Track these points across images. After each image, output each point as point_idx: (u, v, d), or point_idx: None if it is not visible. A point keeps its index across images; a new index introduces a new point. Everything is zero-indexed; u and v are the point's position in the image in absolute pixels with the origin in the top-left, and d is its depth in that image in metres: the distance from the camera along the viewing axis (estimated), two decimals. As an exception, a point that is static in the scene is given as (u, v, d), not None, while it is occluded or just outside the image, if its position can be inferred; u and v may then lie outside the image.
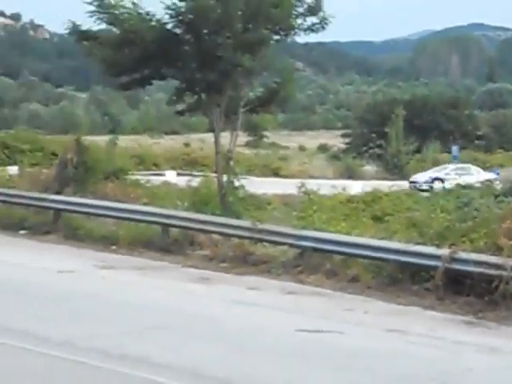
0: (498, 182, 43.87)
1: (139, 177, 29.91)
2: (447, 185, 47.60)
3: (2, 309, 14.09)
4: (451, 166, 58.64)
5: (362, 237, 18.97)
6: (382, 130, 74.83)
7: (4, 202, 25.21)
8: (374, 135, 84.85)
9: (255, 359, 11.66)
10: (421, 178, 54.21)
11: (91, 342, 12.02)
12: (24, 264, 18.67)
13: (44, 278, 17.17)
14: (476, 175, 53.46)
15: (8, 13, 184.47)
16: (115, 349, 11.71)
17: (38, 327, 12.76)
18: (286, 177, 52.70)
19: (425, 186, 45.37)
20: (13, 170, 34.01)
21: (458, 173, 54.58)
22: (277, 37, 24.34)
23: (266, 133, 38.84)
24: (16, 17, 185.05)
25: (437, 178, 53.70)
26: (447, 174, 55.25)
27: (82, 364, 10.97)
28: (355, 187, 44.74)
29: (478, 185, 34.66)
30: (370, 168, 67.31)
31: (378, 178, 54.50)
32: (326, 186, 28.20)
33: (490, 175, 52.26)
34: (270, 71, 25.56)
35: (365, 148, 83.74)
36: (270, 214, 22.58)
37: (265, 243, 19.95)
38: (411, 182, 53.36)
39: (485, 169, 57.33)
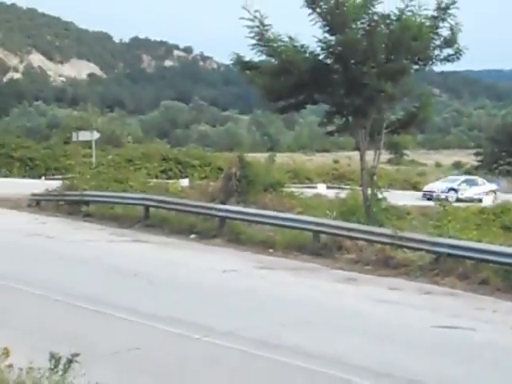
0: (499, 192, 43.89)
1: (294, 189, 30.11)
2: (459, 195, 47.76)
3: (171, 303, 14.61)
4: (461, 178, 58.39)
5: (492, 244, 18.91)
6: (511, 148, 75.71)
7: (177, 210, 25.84)
8: (503, 153, 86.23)
9: (395, 350, 11.80)
10: (436, 187, 53.27)
11: (252, 332, 12.29)
12: (193, 264, 19.23)
13: (210, 277, 17.55)
14: (482, 186, 53.19)
15: (182, 46, 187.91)
16: (272, 339, 11.96)
17: (206, 319, 13.09)
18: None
19: (442, 196, 44.20)
20: (184, 182, 34.91)
21: (468, 184, 54.82)
22: (416, 66, 24.15)
23: (406, 151, 38.72)
24: (188, 50, 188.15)
25: (452, 189, 53.33)
26: (459, 184, 54.77)
27: (242, 352, 11.29)
28: (486, 200, 44.42)
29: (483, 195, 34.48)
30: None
31: (507, 192, 53.62)
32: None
33: (493, 186, 52.01)
34: (410, 97, 25.17)
35: (495, 165, 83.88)
36: (409, 222, 22.45)
37: (404, 249, 19.94)
38: (425, 192, 52.44)
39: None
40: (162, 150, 53.89)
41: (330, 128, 25.77)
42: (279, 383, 10.12)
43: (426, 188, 54.56)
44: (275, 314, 14.04)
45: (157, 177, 39.63)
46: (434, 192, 49.02)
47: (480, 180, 56.10)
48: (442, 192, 49.29)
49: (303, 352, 11.35)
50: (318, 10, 22.88)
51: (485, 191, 51.05)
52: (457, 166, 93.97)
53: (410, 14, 22.61)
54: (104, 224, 26.47)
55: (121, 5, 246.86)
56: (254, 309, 14.48)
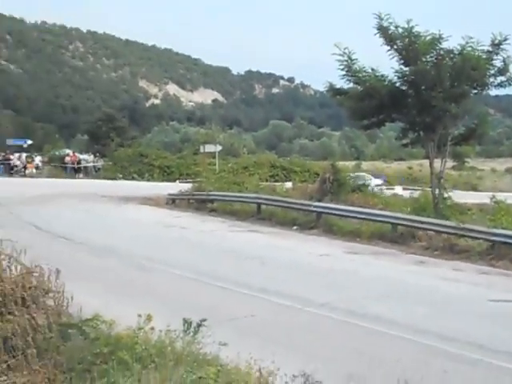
0: (384, 187, 39.67)
1: (376, 190, 30.01)
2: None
3: (278, 280, 14.68)
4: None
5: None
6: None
7: (282, 206, 25.95)
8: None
9: (456, 320, 11.63)
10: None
11: (342, 304, 12.24)
12: (295, 249, 19.32)
13: (309, 259, 17.57)
14: (373, 181, 48.64)
15: (286, 77, 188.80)
16: (359, 309, 11.93)
17: (306, 293, 13.13)
18: (481, 191, 51.10)
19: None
20: (288, 184, 35.05)
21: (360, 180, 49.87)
22: (475, 91, 23.75)
23: (467, 159, 37.71)
24: (291, 80, 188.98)
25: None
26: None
27: (335, 319, 11.32)
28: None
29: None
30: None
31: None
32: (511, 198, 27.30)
33: (379, 181, 47.38)
34: (470, 115, 24.95)
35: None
36: (469, 217, 22.10)
37: (466, 238, 19.79)
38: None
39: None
40: (271, 159, 54.05)
41: (405, 141, 25.64)
42: (364, 345, 10.04)
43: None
44: (361, 289, 13.99)
45: (266, 180, 39.81)
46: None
47: (367, 175, 51.58)
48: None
49: (384, 320, 11.30)
50: (395, 46, 22.95)
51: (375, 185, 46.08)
52: (509, 171, 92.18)
53: (469, 49, 22.43)
54: (225, 217, 26.73)
55: (238, 45, 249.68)
56: (344, 285, 14.44)
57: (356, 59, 23.83)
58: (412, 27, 22.63)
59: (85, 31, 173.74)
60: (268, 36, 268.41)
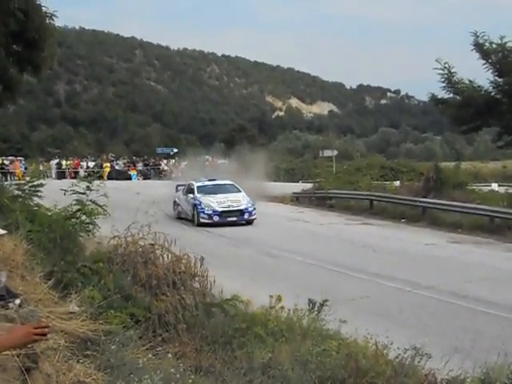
0: None
1: (474, 187, 29.13)
2: None
3: (389, 265, 14.58)
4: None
5: None
6: None
7: (392, 202, 25.61)
8: None
9: None
10: None
11: (446, 286, 12.07)
12: (404, 239, 19.02)
13: (416, 248, 17.31)
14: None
15: (392, 89, 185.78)
16: (461, 291, 11.71)
17: (414, 277, 12.94)
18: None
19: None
20: (396, 183, 34.54)
21: None
22: None
23: None
24: (397, 92, 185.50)
25: None
26: None
27: (440, 300, 11.18)
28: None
29: None
30: None
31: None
32: None
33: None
34: None
35: None
36: None
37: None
38: None
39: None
40: (381, 161, 53.23)
41: (500, 143, 24.94)
42: (467, 322, 9.79)
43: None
44: (463, 273, 13.65)
45: (377, 180, 39.19)
46: None
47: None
48: None
49: (484, 301, 11.04)
50: (490, 60, 22.43)
51: None
52: None
53: None
54: (342, 212, 26.63)
55: (351, 63, 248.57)
56: (448, 270, 14.14)
57: (455, 72, 23.48)
58: (505, 43, 22.13)
59: (220, 55, 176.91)
60: (376, 54, 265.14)
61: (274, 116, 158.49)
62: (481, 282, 12.69)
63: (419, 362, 6.04)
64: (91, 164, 56.71)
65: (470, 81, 23.36)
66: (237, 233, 19.69)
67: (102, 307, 6.00)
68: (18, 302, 5.25)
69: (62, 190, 7.76)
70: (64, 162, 56.05)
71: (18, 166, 50.57)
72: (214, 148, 48.02)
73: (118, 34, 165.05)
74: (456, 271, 14.02)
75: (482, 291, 11.75)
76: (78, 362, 4.86)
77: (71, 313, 5.61)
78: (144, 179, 54.43)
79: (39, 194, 9.09)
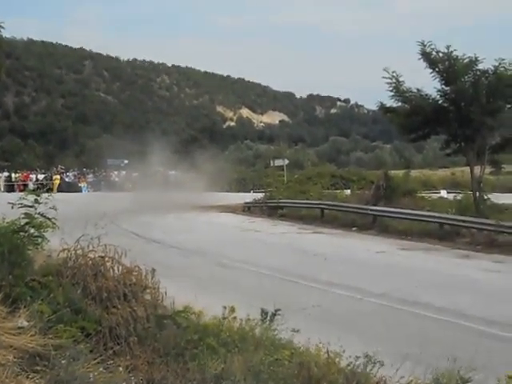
0: None
1: (423, 194, 29.63)
2: None
3: (340, 274, 14.72)
4: None
5: None
6: None
7: (342, 210, 25.86)
8: None
9: (499, 306, 11.43)
10: None
11: (396, 293, 12.22)
12: (355, 247, 19.36)
13: (367, 256, 17.62)
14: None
15: (342, 98, 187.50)
16: (411, 298, 11.91)
17: (365, 285, 13.14)
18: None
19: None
20: (347, 192, 34.84)
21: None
22: (509, 105, 23.77)
23: (503, 165, 35.91)
24: (347, 101, 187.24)
25: None
26: None
27: (391, 307, 11.35)
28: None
29: None
30: None
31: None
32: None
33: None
34: (505, 127, 24.63)
35: None
36: (507, 215, 21.71)
37: (505, 234, 19.47)
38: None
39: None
40: (331, 170, 53.78)
41: (448, 151, 25.42)
42: (417, 329, 9.92)
43: None
44: (413, 280, 13.91)
45: (328, 189, 39.49)
46: None
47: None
48: None
49: (433, 306, 11.23)
50: (437, 69, 22.90)
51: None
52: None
53: (502, 69, 22.32)
54: (293, 221, 26.79)
55: (300, 72, 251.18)
56: (398, 277, 14.38)
57: (403, 81, 23.87)
58: (451, 52, 22.62)
59: (170, 65, 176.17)
60: (326, 64, 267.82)
61: (225, 126, 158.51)
62: (430, 288, 12.89)
63: (371, 369, 6.09)
64: (41, 176, 55.83)
65: (417, 89, 23.77)
66: (187, 243, 19.59)
67: (52, 321, 5.90)
68: (-36, 318, 5.13)
69: (10, 203, 7.61)
70: (13, 175, 55.04)
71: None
72: (165, 159, 47.65)
73: (66, 45, 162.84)
74: (406, 278, 14.23)
75: (432, 297, 11.94)
76: (27, 377, 4.77)
77: (20, 328, 5.51)
78: (94, 191, 53.76)
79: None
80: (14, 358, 4.94)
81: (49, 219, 7.70)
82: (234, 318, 7.43)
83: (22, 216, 7.71)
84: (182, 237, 21.17)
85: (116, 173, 59.62)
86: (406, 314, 10.93)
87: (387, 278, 14.26)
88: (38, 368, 4.98)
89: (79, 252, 7.57)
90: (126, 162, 65.33)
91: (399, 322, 10.47)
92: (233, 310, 7.53)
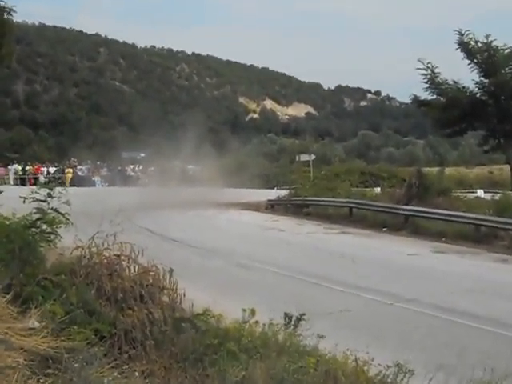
0: None
1: (459, 193, 29.39)
2: None
3: (369, 277, 14.67)
4: None
5: None
6: None
7: (372, 210, 25.77)
8: None
9: None
10: None
11: (430, 299, 12.15)
12: (385, 249, 19.24)
13: (398, 258, 17.51)
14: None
15: (373, 90, 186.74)
16: (445, 304, 11.80)
17: (396, 289, 13.07)
18: None
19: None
20: (377, 190, 34.77)
21: None
22: None
23: None
24: (378, 93, 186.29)
25: None
26: None
27: (424, 313, 11.27)
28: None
29: None
30: None
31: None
32: None
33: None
34: None
35: None
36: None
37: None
38: None
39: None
40: (361, 166, 53.65)
41: (486, 147, 25.18)
42: (451, 337, 9.86)
43: None
44: (447, 285, 13.79)
45: (357, 186, 39.38)
46: None
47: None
48: None
49: (468, 313, 11.13)
50: (475, 60, 22.62)
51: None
52: None
53: None
54: (320, 221, 26.70)
55: (328, 62, 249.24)
56: (431, 281, 14.25)
57: (439, 72, 23.67)
58: (491, 42, 22.29)
59: (190, 53, 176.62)
60: (355, 54, 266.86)
61: (247, 118, 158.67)
62: (465, 294, 12.79)
63: (402, 379, 6.08)
64: (52, 170, 56.31)
65: (454, 81, 23.60)
66: (207, 242, 19.64)
67: (64, 323, 5.95)
68: (-27, 317, 5.19)
69: (22, 197, 7.69)
70: (19, 168, 55.59)
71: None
72: (183, 153, 47.73)
73: (81, 31, 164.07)
74: (440, 283, 14.12)
75: (467, 304, 11.85)
76: (38, 381, 4.82)
77: (31, 329, 5.57)
78: (109, 185, 54.08)
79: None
80: (25, 360, 4.99)
81: (62, 214, 7.78)
82: (256, 322, 7.44)
83: (34, 211, 7.79)
84: (201, 235, 21.23)
85: (131, 166, 59.98)
86: (440, 321, 10.84)
87: (419, 282, 14.16)
88: (50, 371, 5.03)
89: (94, 250, 7.64)
90: (142, 155, 65.76)
91: (432, 329, 10.39)
92: (253, 313, 7.55)
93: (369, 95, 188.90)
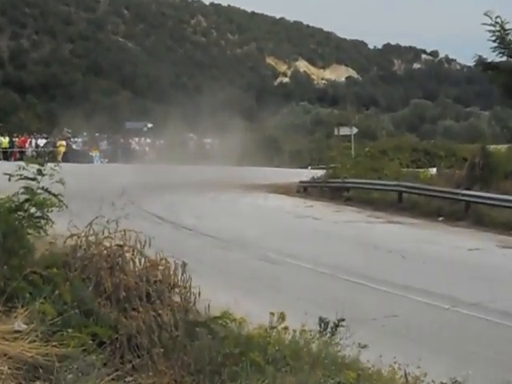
0: None
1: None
2: None
3: (421, 276, 14.58)
4: None
5: None
6: None
7: (426, 195, 25.75)
8: None
9: None
10: None
11: (495, 304, 12.03)
12: (441, 243, 19.02)
13: (456, 254, 17.34)
14: None
15: (428, 50, 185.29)
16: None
17: (453, 291, 12.95)
18: None
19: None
20: (432, 171, 34.60)
21: None
22: None
23: None
24: (434, 54, 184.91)
25: None
26: None
27: (487, 321, 11.21)
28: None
29: None
30: None
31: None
32: None
33: None
34: None
35: None
36: None
37: None
38: None
39: None
40: (412, 142, 53.37)
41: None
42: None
43: None
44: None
45: (408, 166, 39.22)
46: None
47: None
48: None
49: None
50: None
51: None
52: None
53: None
54: (362, 207, 26.72)
55: (374, 16, 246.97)
56: (498, 282, 14.09)
57: (510, 29, 23.35)
58: None
59: (207, 3, 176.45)
60: (408, 6, 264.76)
61: (276, 83, 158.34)
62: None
63: (460, 399, 6.07)
64: (42, 142, 56.74)
65: (529, 40, 23.31)
66: (226, 232, 19.69)
67: (56, 325, 5.99)
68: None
69: (6, 174, 7.73)
70: (5, 140, 56.03)
71: None
72: (199, 124, 47.92)
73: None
74: (507, 284, 14.02)
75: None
76: (25, 393, 4.86)
77: (17, 331, 5.61)
78: (109, 162, 54.43)
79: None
80: (9, 368, 5.03)
81: (54, 196, 7.80)
82: (285, 328, 7.44)
83: (21, 191, 7.82)
84: (220, 223, 21.29)
85: (137, 139, 60.30)
86: (507, 330, 10.81)
87: (483, 283, 14.05)
88: (39, 382, 5.06)
89: (92, 239, 7.67)
90: (149, 125, 66.08)
91: (497, 339, 10.35)
92: (283, 317, 7.55)
93: (423, 56, 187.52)
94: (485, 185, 25.18)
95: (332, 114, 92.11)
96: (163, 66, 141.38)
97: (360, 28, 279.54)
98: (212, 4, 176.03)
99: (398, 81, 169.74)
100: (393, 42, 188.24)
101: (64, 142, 55.94)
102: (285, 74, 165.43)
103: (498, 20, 23.06)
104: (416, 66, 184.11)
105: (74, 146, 57.22)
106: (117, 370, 5.84)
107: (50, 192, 7.82)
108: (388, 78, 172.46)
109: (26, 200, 7.76)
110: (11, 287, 6.50)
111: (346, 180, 30.01)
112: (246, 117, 60.32)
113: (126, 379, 5.77)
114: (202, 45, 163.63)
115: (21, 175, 7.75)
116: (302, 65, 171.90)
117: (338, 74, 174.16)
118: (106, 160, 55.54)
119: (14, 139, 56.49)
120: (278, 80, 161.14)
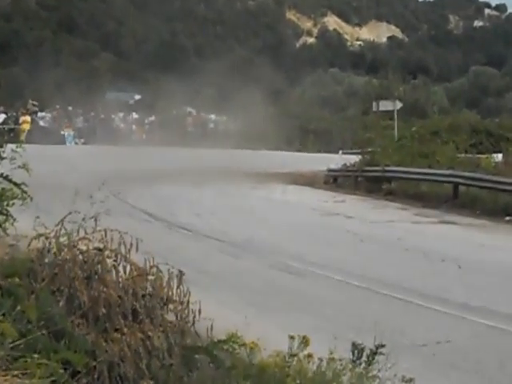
0: None
1: None
2: None
3: (484, 292, 14.54)
4: None
5: None
6: None
7: (490, 188, 25.67)
8: None
9: None
10: None
11: None
12: (509, 249, 18.91)
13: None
14: None
15: (493, 4, 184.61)
16: None
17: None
18: None
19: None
20: (498, 157, 34.49)
21: None
22: None
23: None
24: (502, 8, 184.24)
25: None
26: None
27: None
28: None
29: None
30: None
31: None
32: None
33: None
34: None
35: None
36: None
37: None
38: None
39: None
40: (472, 121, 53.27)
41: None
42: None
43: None
44: None
45: (466, 151, 39.13)
46: None
47: None
48: None
49: None
50: None
51: None
52: None
53: None
54: (407, 203, 26.71)
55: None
56: None
57: None
58: None
59: None
60: None
61: (298, 44, 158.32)
62: None
63: None
64: (0, 117, 56.88)
65: None
66: (234, 233, 19.72)
67: (19, 349, 6.02)
68: None
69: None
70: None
71: None
72: (200, 95, 47.90)
73: None
74: None
75: None
76: None
77: (-32, 357, 5.63)
78: (85, 143, 54.58)
79: None
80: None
81: (16, 185, 7.83)
82: (309, 355, 7.45)
83: (-26, 180, 7.86)
84: (226, 222, 21.35)
85: (121, 115, 60.39)
86: None
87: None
88: (-4, 423, 5.09)
89: (63, 240, 7.68)
90: (136, 97, 66.22)
91: None
92: (306, 342, 7.55)
93: (487, 11, 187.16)
94: None
95: (370, 84, 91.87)
96: (155, 21, 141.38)
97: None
98: None
99: (455, 42, 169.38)
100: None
101: (29, 118, 56.08)
102: (310, 33, 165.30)
103: None
104: (477, 23, 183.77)
105: (41, 123, 57.41)
106: (95, 408, 5.87)
107: (10, 180, 7.86)
108: (442, 38, 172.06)
109: (-20, 190, 7.80)
110: (-38, 301, 6.53)
111: (388, 168, 29.99)
112: (260, 88, 60.22)
113: (107, 420, 5.79)
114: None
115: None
116: (332, 21, 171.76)
117: (378, 33, 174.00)
118: (82, 140, 55.70)
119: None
120: (301, 40, 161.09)
